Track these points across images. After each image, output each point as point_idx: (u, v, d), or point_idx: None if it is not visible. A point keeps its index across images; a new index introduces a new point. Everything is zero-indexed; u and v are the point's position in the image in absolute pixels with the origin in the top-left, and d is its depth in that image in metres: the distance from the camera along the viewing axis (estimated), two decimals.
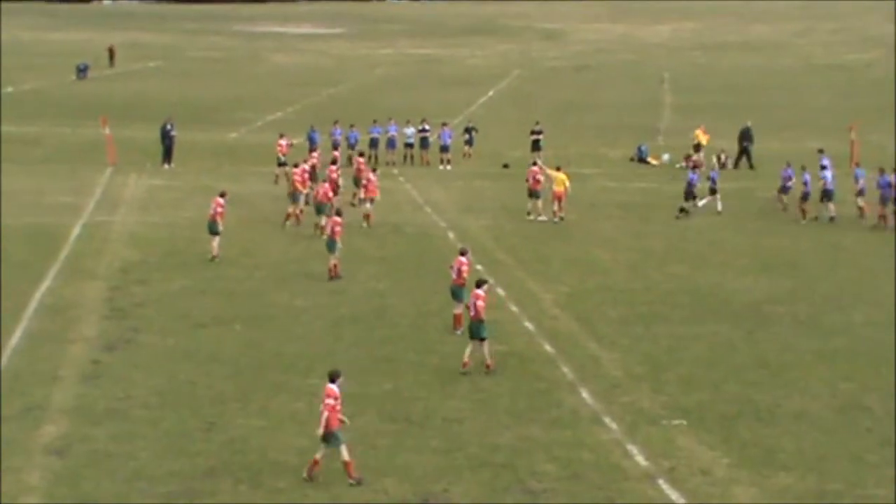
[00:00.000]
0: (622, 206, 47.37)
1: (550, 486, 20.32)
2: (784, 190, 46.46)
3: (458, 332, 28.53)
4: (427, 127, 58.70)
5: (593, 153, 61.91)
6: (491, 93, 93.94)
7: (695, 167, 49.21)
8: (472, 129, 60.36)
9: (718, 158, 57.94)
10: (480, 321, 26.12)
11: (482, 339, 26.19)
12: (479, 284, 26.74)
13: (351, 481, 20.16)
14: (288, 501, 19.58)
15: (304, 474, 20.34)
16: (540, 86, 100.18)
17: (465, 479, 20.50)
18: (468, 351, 26.24)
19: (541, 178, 43.86)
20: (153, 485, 20.07)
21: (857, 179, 45.21)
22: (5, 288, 32.52)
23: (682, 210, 44.91)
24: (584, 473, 20.86)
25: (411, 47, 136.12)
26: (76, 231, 40.66)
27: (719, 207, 45.64)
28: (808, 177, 45.10)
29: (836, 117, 61.03)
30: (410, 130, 58.17)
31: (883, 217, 43.45)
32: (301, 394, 24.62)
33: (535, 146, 58.13)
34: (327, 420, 20.23)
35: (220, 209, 36.75)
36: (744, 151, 58.65)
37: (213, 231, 36.64)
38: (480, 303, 26.16)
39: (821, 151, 49.69)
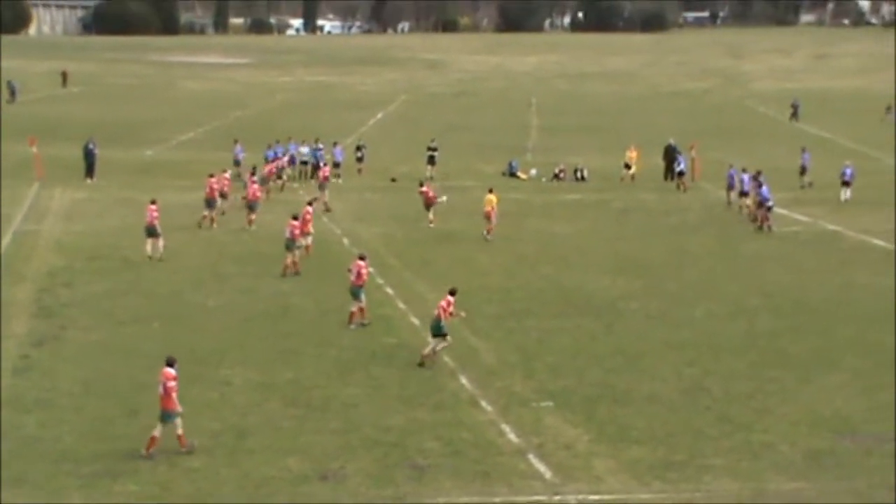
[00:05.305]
0: (498, 215, 47.45)
1: (435, 461, 20.40)
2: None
3: (352, 327, 28.58)
4: (321, 146, 58.14)
5: (471, 168, 62.08)
6: (380, 115, 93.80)
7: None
8: (363, 146, 60.21)
9: (576, 172, 58.48)
10: (440, 320, 25.78)
11: (443, 336, 25.82)
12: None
13: (183, 450, 20.22)
14: (203, 478, 19.40)
15: (143, 452, 20.11)
16: (423, 109, 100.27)
17: (360, 457, 20.49)
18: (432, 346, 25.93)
19: (432, 194, 43.93)
20: (79, 465, 19.75)
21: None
22: None
23: None
24: (464, 450, 20.97)
25: (308, 75, 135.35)
26: (7, 239, 39.76)
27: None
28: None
29: (679, 137, 61.90)
30: (306, 149, 57.53)
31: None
32: (214, 383, 24.39)
33: (431, 160, 58.00)
34: (167, 399, 20.23)
35: (155, 214, 36.68)
36: (669, 167, 56.51)
37: (152, 234, 36.51)
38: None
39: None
